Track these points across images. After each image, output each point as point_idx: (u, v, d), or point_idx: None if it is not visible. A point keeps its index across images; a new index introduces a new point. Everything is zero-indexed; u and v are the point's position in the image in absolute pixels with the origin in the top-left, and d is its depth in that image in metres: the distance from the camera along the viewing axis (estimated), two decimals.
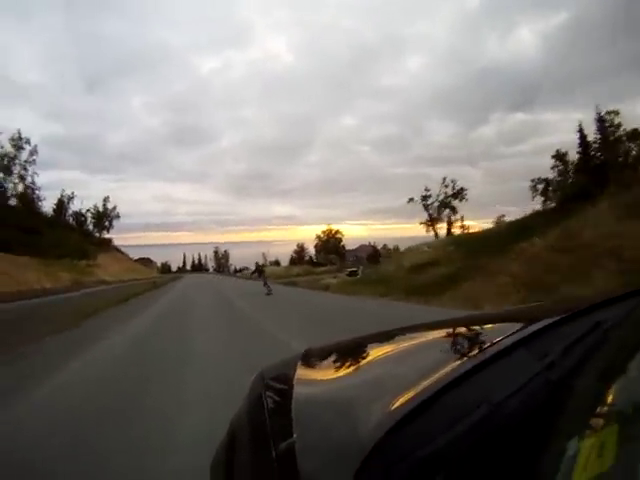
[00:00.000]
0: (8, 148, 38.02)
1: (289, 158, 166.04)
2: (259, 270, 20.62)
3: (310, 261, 57.02)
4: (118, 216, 66.62)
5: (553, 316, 0.75)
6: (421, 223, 44.55)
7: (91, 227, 64.42)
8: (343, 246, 61.99)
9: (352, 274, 31.02)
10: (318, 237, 62.54)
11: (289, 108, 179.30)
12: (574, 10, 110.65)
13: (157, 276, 61.52)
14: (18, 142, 40.41)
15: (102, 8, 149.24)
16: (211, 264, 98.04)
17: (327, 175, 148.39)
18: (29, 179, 39.95)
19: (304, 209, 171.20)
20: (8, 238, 26.39)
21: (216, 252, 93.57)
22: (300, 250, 73.83)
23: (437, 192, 41.93)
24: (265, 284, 17.24)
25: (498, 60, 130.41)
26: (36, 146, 40.14)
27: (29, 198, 43.81)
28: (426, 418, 0.48)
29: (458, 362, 0.60)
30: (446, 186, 41.43)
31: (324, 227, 71.45)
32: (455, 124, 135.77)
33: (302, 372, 0.71)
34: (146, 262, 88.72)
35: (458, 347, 0.80)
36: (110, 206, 66.53)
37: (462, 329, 1.02)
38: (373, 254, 59.22)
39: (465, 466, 0.45)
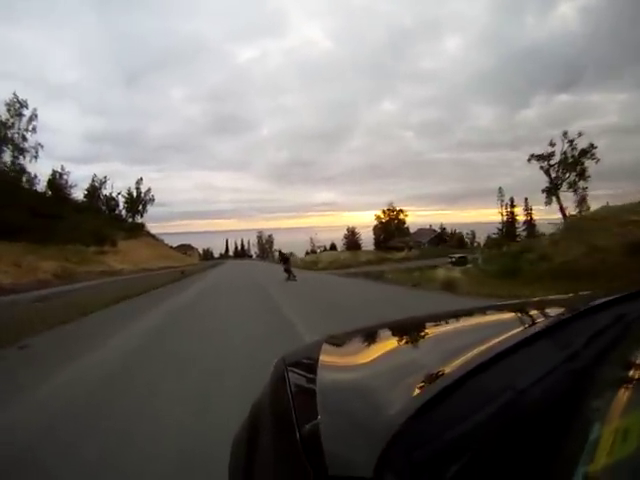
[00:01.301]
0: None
1: (330, 145, 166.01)
2: (284, 258, 20.85)
3: (380, 245, 46.92)
4: (152, 199, 63.59)
5: (577, 308, 0.77)
6: (543, 191, 32.60)
7: (124, 212, 61.63)
8: (407, 228, 51.70)
9: (459, 262, 20.86)
10: (378, 218, 52.31)
11: (329, 94, 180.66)
12: None
13: (195, 263, 60.39)
14: (15, 107, 36.35)
15: (137, 3, 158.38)
16: (254, 250, 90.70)
17: (369, 161, 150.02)
18: (31, 150, 36.50)
19: (346, 195, 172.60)
20: (16, 222, 25.98)
21: (259, 237, 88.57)
22: (351, 235, 64.00)
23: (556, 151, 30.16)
24: (288, 271, 18.64)
25: (540, 39, 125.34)
26: (35, 110, 36.93)
27: (56, 183, 43.83)
28: (449, 404, 0.48)
29: (482, 349, 0.62)
30: (571, 142, 29.85)
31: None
32: (498, 107, 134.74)
33: (325, 357, 0.74)
34: (187, 249, 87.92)
35: (482, 335, 0.79)
36: (144, 189, 63.59)
37: (486, 317, 1.04)
38: (438, 238, 48.67)
39: (488, 451, 0.45)
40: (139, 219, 60.70)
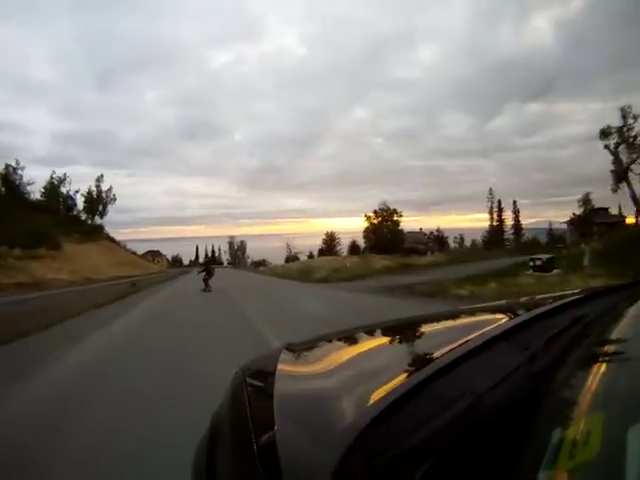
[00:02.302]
0: None
1: (302, 151, 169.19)
2: (207, 268, 18.56)
3: (371, 250, 41.50)
4: (114, 199, 58.61)
5: (536, 310, 0.79)
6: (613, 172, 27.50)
7: (84, 213, 56.34)
8: (401, 230, 47.05)
9: (543, 267, 16.62)
10: (368, 219, 47.49)
11: (302, 101, 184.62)
12: None
13: (159, 271, 55.50)
14: None
15: (112, 3, 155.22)
16: (225, 257, 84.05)
17: (341, 168, 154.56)
18: None
19: (318, 202, 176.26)
20: None
21: (231, 243, 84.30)
22: (330, 240, 58.76)
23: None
24: (207, 281, 17.22)
25: (513, 50, 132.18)
26: None
27: (9, 179, 42.26)
28: (408, 410, 0.49)
29: (440, 354, 0.63)
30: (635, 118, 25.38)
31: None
32: (470, 116, 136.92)
33: (284, 366, 0.74)
34: (155, 255, 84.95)
35: (441, 340, 0.81)
36: (105, 187, 58.54)
37: (445, 322, 1.06)
38: (439, 241, 43.77)
39: (448, 457, 0.45)
40: (99, 221, 53.83)
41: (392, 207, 49.45)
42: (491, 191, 60.58)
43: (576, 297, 0.91)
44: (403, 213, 49.81)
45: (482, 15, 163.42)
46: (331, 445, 0.45)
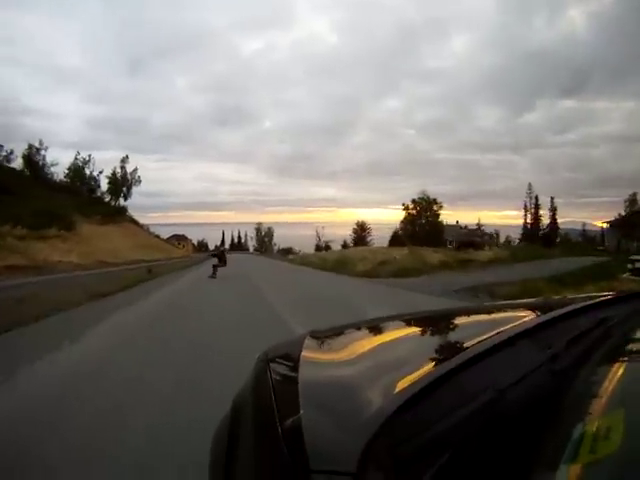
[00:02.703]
0: None
1: (333, 140, 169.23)
2: (218, 254, 17.85)
3: (404, 242, 37.52)
4: (139, 181, 56.96)
5: (560, 310, 0.81)
6: None
7: (107, 195, 54.68)
8: (441, 222, 42.87)
9: None
10: (406, 208, 43.40)
11: (333, 89, 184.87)
12: None
13: (183, 256, 54.41)
14: None
15: None
16: (252, 243, 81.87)
17: (371, 158, 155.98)
18: None
19: (347, 192, 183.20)
20: None
21: (258, 229, 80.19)
22: (360, 230, 63.71)
23: None
24: (217, 268, 16.36)
25: (548, 42, 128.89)
26: None
27: (32, 159, 42.03)
28: (431, 401, 0.51)
29: (464, 348, 0.65)
30: None
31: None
32: (502, 109, 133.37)
33: (308, 353, 0.76)
34: (180, 239, 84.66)
35: (465, 334, 0.82)
36: (129, 168, 56.75)
37: (469, 317, 1.07)
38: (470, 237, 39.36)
39: (469, 449, 0.47)
40: (123, 203, 52.31)
41: (417, 200, 45.10)
42: (530, 187, 57.59)
43: (600, 300, 0.91)
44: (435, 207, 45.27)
45: (516, 4, 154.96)
46: (357, 431, 0.46)
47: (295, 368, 0.68)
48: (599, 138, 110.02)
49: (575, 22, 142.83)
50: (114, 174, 54.27)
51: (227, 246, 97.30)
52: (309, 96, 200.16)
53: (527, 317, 0.86)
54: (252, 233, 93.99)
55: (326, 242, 65.19)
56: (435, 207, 46.36)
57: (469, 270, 18.63)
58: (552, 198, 56.38)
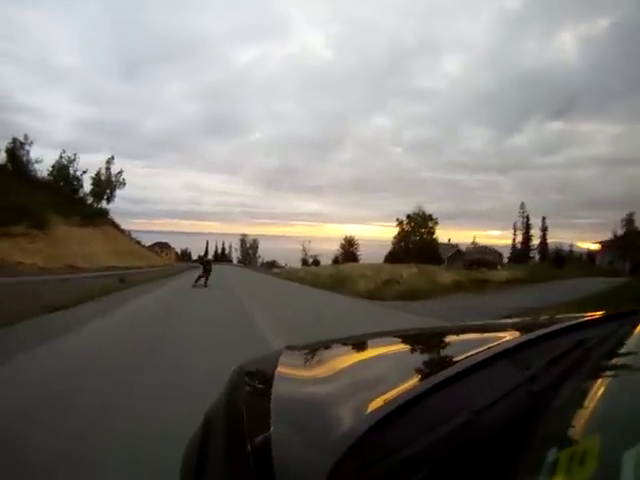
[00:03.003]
0: None
1: (320, 155, 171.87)
2: (203, 263, 18.53)
3: (393, 259, 35.72)
4: (123, 183, 55.08)
5: (538, 331, 0.80)
6: None
7: (91, 196, 52.42)
8: (436, 240, 41.81)
9: None
10: (400, 224, 42.31)
11: (324, 104, 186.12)
12: (617, 16, 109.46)
13: (164, 265, 52.65)
14: None
15: None
16: (236, 255, 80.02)
17: (357, 174, 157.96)
18: None
19: (332, 207, 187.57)
20: None
21: (243, 241, 78.29)
22: (348, 245, 61.47)
23: None
24: (201, 278, 16.83)
25: (538, 66, 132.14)
26: None
27: (15, 153, 40.98)
28: (405, 422, 0.50)
29: (440, 369, 0.64)
30: None
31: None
32: (489, 131, 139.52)
33: (283, 368, 0.75)
34: (163, 247, 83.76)
35: (441, 354, 0.84)
36: (115, 170, 54.83)
37: (448, 337, 1.05)
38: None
39: (441, 473, 0.46)
40: (106, 205, 53.54)
41: (412, 216, 44.16)
42: (523, 206, 57.82)
43: (578, 321, 0.91)
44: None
45: (508, 28, 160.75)
46: (326, 450, 0.45)
47: (269, 383, 0.67)
48: (585, 160, 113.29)
49: (565, 46, 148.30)
50: (98, 175, 52.45)
51: (211, 257, 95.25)
52: (299, 110, 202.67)
53: (507, 337, 0.86)
54: (237, 244, 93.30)
55: (313, 256, 63.65)
56: (430, 223, 45.11)
57: (489, 292, 16.69)
58: (544, 218, 56.60)
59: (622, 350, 0.79)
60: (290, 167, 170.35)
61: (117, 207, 54.63)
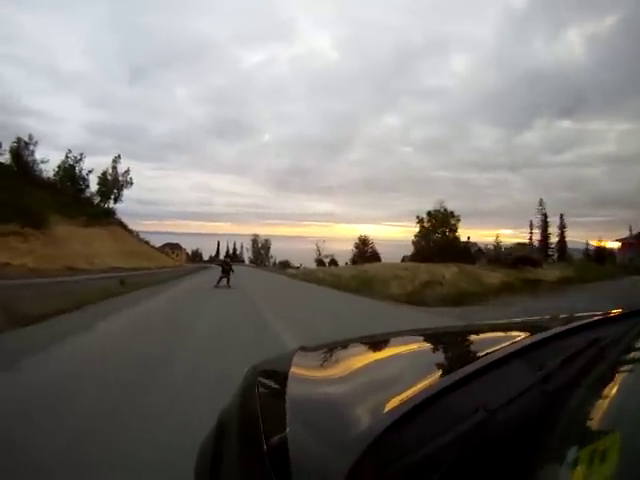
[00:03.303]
0: None
1: (330, 155, 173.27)
2: (223, 266, 17.11)
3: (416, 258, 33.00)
4: (130, 182, 53.23)
5: (552, 330, 0.81)
6: None
7: (98, 196, 50.64)
8: (458, 238, 39.22)
9: None
10: (421, 222, 39.76)
11: (332, 105, 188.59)
12: (625, 13, 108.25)
13: (175, 265, 51.62)
14: None
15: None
16: (248, 255, 78.61)
17: (367, 174, 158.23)
18: None
19: (343, 207, 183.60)
20: None
21: (254, 241, 76.30)
22: (362, 245, 59.29)
23: None
24: (222, 279, 16.16)
25: (546, 63, 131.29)
26: None
27: (20, 153, 39.91)
28: (421, 421, 0.51)
29: (455, 368, 0.64)
30: None
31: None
32: (499, 129, 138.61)
33: (297, 369, 0.75)
34: (174, 248, 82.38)
35: (456, 354, 0.84)
36: (121, 169, 53.23)
37: (461, 337, 1.05)
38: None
39: (459, 472, 0.46)
40: (113, 205, 52.46)
41: (432, 213, 41.71)
42: (541, 202, 55.01)
43: (592, 319, 0.91)
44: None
45: (515, 26, 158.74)
46: (344, 450, 0.46)
47: (283, 384, 0.67)
48: (595, 158, 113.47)
49: (573, 44, 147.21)
50: (104, 174, 51.09)
51: (221, 257, 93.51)
52: (308, 111, 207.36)
53: (520, 337, 0.85)
54: (248, 245, 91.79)
55: (327, 256, 61.60)
56: (452, 220, 42.24)
57: (544, 293, 14.29)
58: (562, 215, 54.37)
59: (636, 348, 0.78)
60: (300, 168, 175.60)
61: (127, 208, 54.22)
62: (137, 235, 53.89)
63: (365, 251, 59.12)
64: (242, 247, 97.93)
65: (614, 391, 0.60)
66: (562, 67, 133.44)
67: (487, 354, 0.68)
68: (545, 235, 53.43)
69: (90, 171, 47.85)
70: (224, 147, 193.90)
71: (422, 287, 14.54)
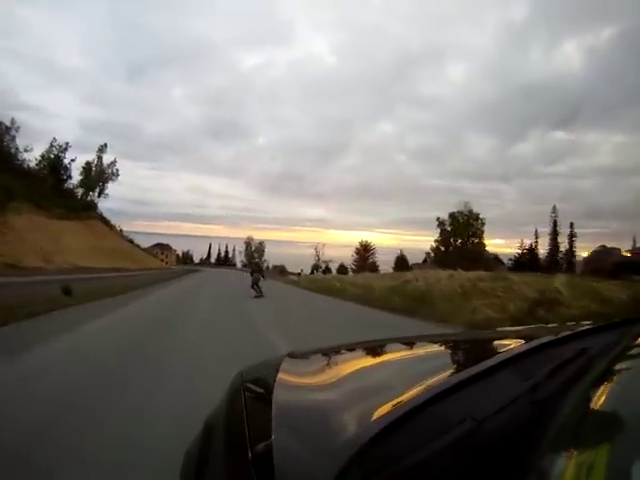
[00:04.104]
0: None
1: (324, 161, 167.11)
2: (253, 271, 15.66)
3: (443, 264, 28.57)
4: (116, 174, 48.73)
5: (541, 340, 0.81)
6: None
7: (81, 188, 45.64)
8: (483, 243, 35.35)
9: None
10: (441, 224, 35.81)
11: (328, 110, 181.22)
12: (621, 27, 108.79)
13: (161, 267, 47.79)
14: None
15: None
16: (240, 259, 75.60)
17: (361, 181, 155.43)
18: None
19: (336, 213, 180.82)
20: None
21: (248, 244, 70.97)
22: (364, 250, 57.38)
23: None
24: (256, 285, 14.47)
25: (542, 75, 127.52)
26: None
27: None
28: (408, 430, 0.50)
29: (443, 377, 0.66)
30: None
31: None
32: (494, 139, 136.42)
33: (284, 375, 0.75)
34: (164, 248, 77.61)
35: (445, 362, 0.83)
36: (107, 160, 48.98)
37: (450, 345, 1.02)
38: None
39: None
40: (98, 199, 48.62)
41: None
42: (555, 209, 52.64)
43: (581, 329, 0.92)
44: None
45: (513, 37, 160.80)
46: (329, 459, 0.45)
47: (270, 390, 0.67)
48: (588, 170, 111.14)
49: (569, 56, 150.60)
50: (88, 164, 46.32)
51: (213, 260, 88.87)
52: (303, 115, 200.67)
53: (508, 346, 0.84)
54: (241, 248, 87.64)
55: (325, 261, 57.17)
56: (476, 224, 38.00)
57: None
58: (571, 224, 52.27)
59: (625, 358, 0.79)
60: (294, 172, 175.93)
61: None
62: (120, 232, 50.27)
63: (366, 257, 55.21)
64: (234, 250, 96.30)
65: (602, 401, 0.59)
66: (558, 79, 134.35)
67: (476, 363, 0.67)
68: (555, 244, 50.79)
69: (73, 159, 43.46)
70: (219, 149, 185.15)
71: (531, 307, 9.10)
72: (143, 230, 79.69)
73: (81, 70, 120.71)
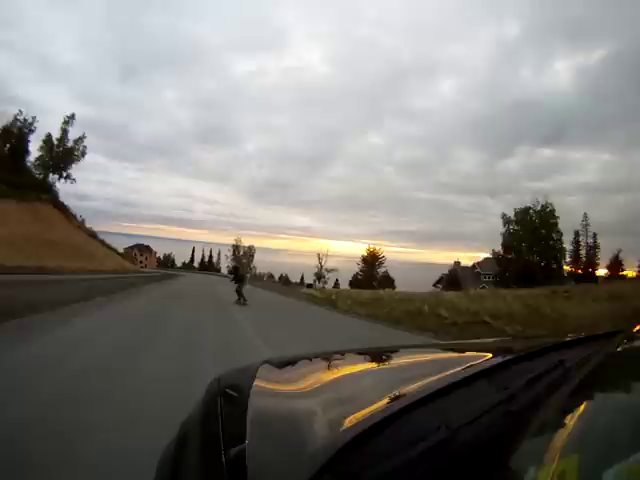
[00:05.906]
0: None
1: (311, 170, 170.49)
2: (236, 276, 14.91)
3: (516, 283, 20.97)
4: (84, 152, 39.46)
5: (518, 352, 0.83)
6: None
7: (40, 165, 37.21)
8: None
9: None
10: (508, 223, 27.54)
11: (317, 120, 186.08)
12: (609, 48, 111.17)
13: (134, 270, 40.26)
14: None
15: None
16: (226, 264, 67.04)
17: (347, 191, 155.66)
18: None
19: (321, 222, 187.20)
20: None
21: (236, 247, 61.07)
22: (372, 259, 49.26)
23: None
24: (238, 292, 13.79)
25: (531, 92, 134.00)
26: None
27: None
28: (382, 438, 0.52)
29: (419, 386, 0.67)
30: None
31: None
32: (481, 154, 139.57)
33: (260, 382, 0.77)
34: (143, 250, 70.99)
35: (422, 372, 0.82)
36: (75, 134, 39.80)
37: (429, 354, 1.03)
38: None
39: None
40: (58, 180, 39.76)
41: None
42: (585, 217, 47.01)
43: (558, 342, 0.90)
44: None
45: (503, 54, 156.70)
46: (301, 466, 0.46)
47: (246, 396, 0.68)
48: (574, 187, 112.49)
49: (560, 75, 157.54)
50: (49, 138, 36.40)
51: (196, 264, 79.28)
52: (293, 124, 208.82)
53: (486, 357, 0.84)
54: (227, 252, 78.43)
55: (328, 270, 48.24)
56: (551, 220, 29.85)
57: None
58: (595, 234, 47.14)
59: (601, 371, 0.80)
60: (281, 180, 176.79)
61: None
62: (83, 223, 41.59)
63: (375, 265, 46.79)
64: (219, 254, 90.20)
65: (577, 414, 0.61)
66: (547, 96, 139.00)
67: (452, 373, 0.70)
68: (577, 256, 45.03)
69: (31, 129, 34.27)
70: (207, 154, 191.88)
71: None
72: (127, 231, 74.89)
73: (73, 68, 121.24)
